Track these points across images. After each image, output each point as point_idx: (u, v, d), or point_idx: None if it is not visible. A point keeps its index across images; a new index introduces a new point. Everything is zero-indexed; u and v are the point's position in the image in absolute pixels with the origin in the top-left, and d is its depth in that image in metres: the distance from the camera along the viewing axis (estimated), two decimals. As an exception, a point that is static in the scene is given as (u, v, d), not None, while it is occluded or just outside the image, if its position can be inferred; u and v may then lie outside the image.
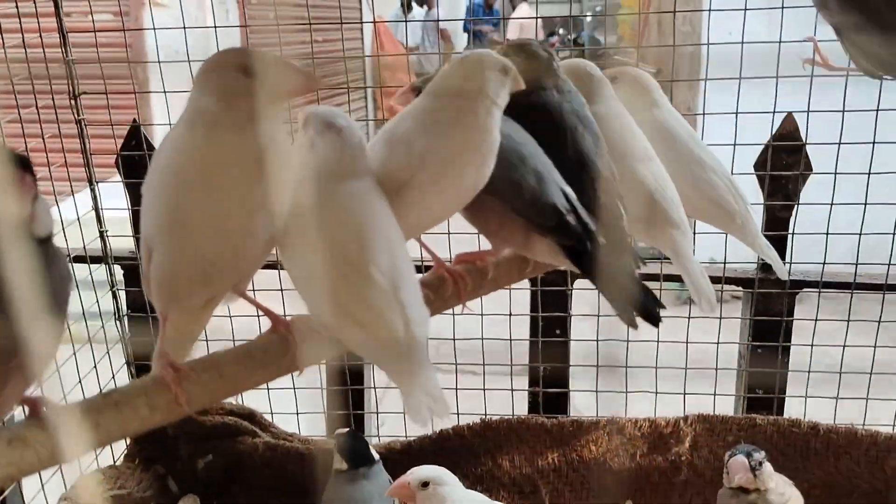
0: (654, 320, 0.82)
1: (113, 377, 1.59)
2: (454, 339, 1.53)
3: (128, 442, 1.59)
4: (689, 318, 1.46)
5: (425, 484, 1.26)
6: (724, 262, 1.44)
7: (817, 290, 1.46)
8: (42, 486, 1.38)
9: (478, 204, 0.89)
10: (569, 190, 0.90)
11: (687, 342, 1.47)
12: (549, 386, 1.56)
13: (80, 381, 1.46)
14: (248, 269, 0.78)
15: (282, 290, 1.44)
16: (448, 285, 0.91)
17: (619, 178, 0.95)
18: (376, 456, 1.41)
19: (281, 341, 0.76)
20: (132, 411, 0.71)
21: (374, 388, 1.62)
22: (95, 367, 1.53)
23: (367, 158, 0.81)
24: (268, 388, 1.63)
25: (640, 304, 0.83)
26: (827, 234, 1.40)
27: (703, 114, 1.39)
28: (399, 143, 0.82)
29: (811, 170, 1.43)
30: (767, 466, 1.17)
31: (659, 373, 1.51)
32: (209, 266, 0.72)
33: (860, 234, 1.38)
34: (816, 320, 1.43)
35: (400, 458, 1.49)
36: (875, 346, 1.43)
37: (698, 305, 0.95)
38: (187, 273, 0.72)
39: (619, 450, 1.51)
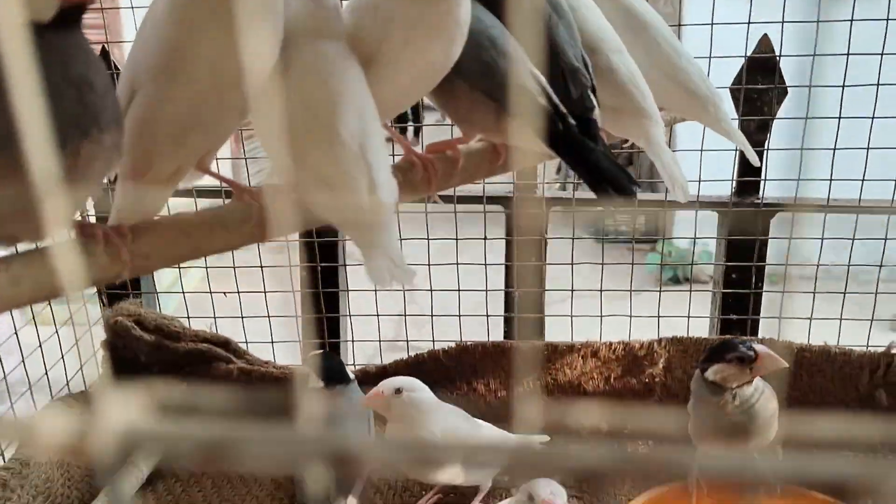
0: (628, 193, 0.81)
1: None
2: (428, 265, 1.52)
3: (99, 371, 1.58)
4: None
5: (398, 391, 1.26)
6: (699, 182, 1.43)
7: (791, 211, 1.46)
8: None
9: (447, 87, 0.88)
10: (539, 75, 0.89)
11: (661, 264, 1.47)
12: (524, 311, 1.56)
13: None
14: (223, 132, 0.76)
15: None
16: (418, 170, 0.90)
17: (592, 68, 0.94)
18: (352, 376, 1.41)
19: (247, 209, 0.75)
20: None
21: (350, 315, 1.61)
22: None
23: (342, 23, 0.79)
24: (241, 318, 1.62)
25: (614, 179, 0.82)
26: (802, 149, 1.40)
27: (679, 25, 1.38)
28: (365, 9, 0.81)
29: (786, 91, 1.43)
30: None
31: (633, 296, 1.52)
32: (193, 118, 0.70)
33: (834, 150, 1.38)
34: (791, 238, 1.43)
35: (375, 381, 1.46)
36: (849, 265, 1.43)
37: (672, 193, 0.94)
38: (168, 123, 0.70)
39: (593, 373, 1.51)
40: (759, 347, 1.08)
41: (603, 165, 0.83)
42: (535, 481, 1.08)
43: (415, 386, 1.27)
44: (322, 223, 0.79)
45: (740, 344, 1.09)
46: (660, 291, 1.53)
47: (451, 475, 1.28)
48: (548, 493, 1.02)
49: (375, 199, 0.71)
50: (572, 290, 1.52)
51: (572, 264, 1.50)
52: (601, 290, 1.48)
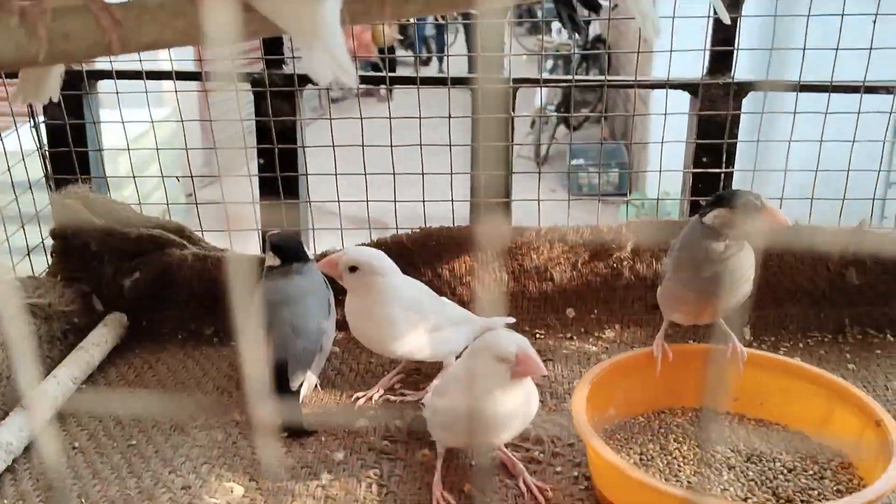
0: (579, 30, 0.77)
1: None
2: (391, 146, 1.47)
3: (49, 260, 1.52)
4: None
5: (353, 269, 1.21)
6: (670, 53, 1.38)
7: (764, 90, 1.42)
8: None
9: None
10: None
11: (630, 143, 1.43)
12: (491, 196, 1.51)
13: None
14: None
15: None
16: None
17: None
18: (311, 255, 1.36)
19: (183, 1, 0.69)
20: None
21: (310, 202, 1.55)
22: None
23: None
24: (196, 204, 1.56)
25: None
26: (775, 15, 1.35)
27: None
28: None
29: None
30: None
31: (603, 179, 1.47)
32: None
33: (808, 19, 1.34)
34: (763, 113, 1.40)
35: (337, 267, 1.43)
36: (821, 140, 1.40)
37: (644, 33, 0.89)
38: None
39: (560, 258, 1.47)
40: (766, 200, 1.04)
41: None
42: (492, 337, 1.02)
43: (371, 263, 1.22)
44: (261, 32, 0.73)
45: (749, 194, 1.05)
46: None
47: (414, 349, 1.24)
48: (515, 348, 0.97)
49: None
50: (539, 173, 1.48)
51: (537, 144, 1.45)
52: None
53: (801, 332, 1.43)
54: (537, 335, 1.46)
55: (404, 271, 1.33)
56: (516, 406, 0.99)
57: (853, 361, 1.35)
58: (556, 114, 5.23)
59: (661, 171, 1.45)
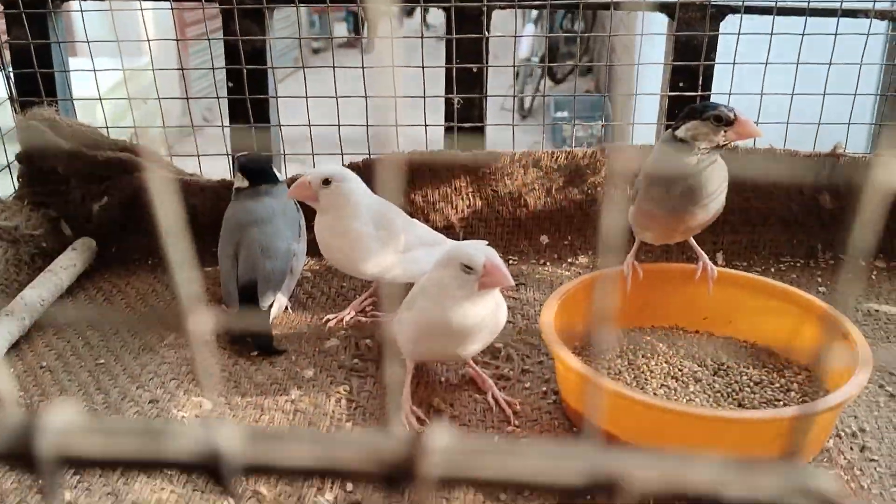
0: None
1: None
2: (362, 68, 1.44)
3: (15, 184, 1.49)
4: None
5: (326, 181, 1.19)
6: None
7: (739, 14, 1.40)
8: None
9: None
10: None
11: (608, 65, 1.41)
12: (465, 121, 1.49)
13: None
14: None
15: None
16: None
17: None
18: (280, 177, 1.34)
19: None
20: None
21: (280, 125, 1.53)
22: None
23: None
24: (164, 128, 1.54)
25: None
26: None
27: None
28: None
29: None
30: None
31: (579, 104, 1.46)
32: None
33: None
34: (739, 34, 1.38)
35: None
36: (797, 63, 1.38)
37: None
38: None
39: (535, 184, 1.46)
40: (739, 111, 1.02)
41: None
42: (460, 247, 1.02)
43: (346, 176, 1.21)
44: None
45: (721, 105, 1.03)
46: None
47: (385, 268, 1.23)
48: (483, 258, 0.96)
49: None
50: (514, 97, 1.46)
51: (514, 66, 1.44)
52: (543, 97, 1.42)
53: (773, 257, 1.43)
54: (510, 261, 1.45)
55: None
56: (483, 317, 0.99)
57: (824, 285, 1.36)
58: (537, 63, 5.18)
59: (636, 96, 1.44)
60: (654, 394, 1.04)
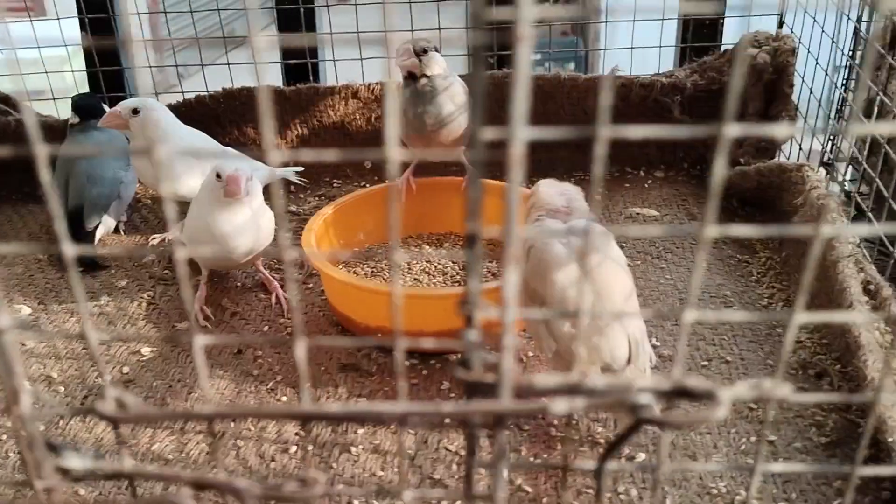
0: None
1: None
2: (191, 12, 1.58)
3: None
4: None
5: (136, 111, 1.34)
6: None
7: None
8: None
9: None
10: None
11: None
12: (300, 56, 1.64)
13: None
14: None
15: None
16: None
17: None
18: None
19: None
20: None
21: (124, 68, 1.67)
22: None
23: None
24: (21, 76, 1.67)
25: None
26: None
27: None
28: None
29: None
30: (434, 55, 1.24)
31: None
32: None
33: None
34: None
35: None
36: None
37: None
38: None
39: (356, 114, 1.61)
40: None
41: None
42: (224, 158, 1.18)
43: (153, 105, 1.36)
44: None
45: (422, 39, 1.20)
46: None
47: (191, 190, 1.37)
48: (231, 169, 1.11)
49: None
50: (360, 44, 1.57)
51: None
52: (384, 33, 1.56)
53: (567, 173, 1.58)
54: (335, 183, 1.61)
55: (211, 131, 1.47)
56: (240, 224, 1.14)
57: (601, 194, 1.51)
58: None
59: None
60: (404, 285, 1.21)
